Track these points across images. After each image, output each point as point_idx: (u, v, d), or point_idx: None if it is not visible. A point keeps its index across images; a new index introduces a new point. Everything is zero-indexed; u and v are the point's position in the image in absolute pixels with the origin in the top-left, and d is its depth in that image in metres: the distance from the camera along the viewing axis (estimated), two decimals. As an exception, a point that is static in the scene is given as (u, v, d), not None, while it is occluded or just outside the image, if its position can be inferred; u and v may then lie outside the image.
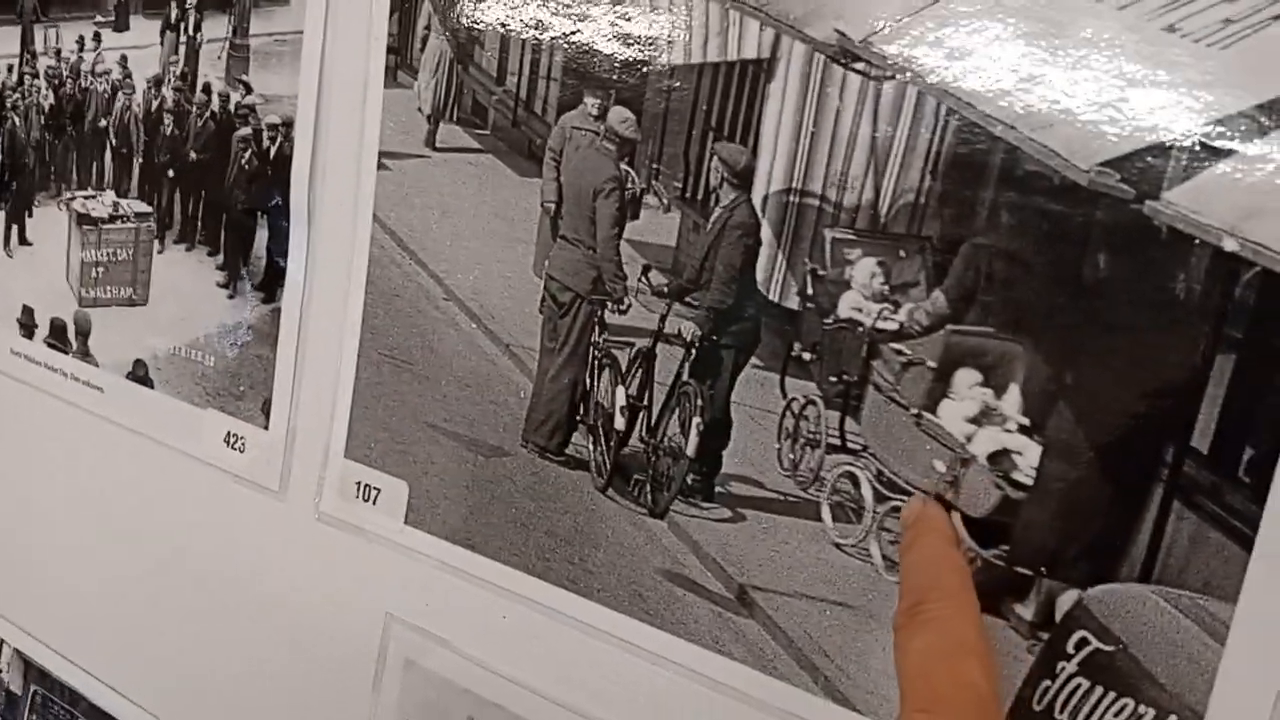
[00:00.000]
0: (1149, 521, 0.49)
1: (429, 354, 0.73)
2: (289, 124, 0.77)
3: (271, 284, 0.80)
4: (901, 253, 0.54)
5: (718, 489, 0.60)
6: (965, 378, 0.53)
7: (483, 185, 0.69)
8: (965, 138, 0.52)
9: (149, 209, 0.88)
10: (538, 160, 0.67)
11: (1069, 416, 0.50)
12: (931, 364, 0.53)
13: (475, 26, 0.69)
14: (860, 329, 0.56)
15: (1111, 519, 0.50)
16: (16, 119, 0.97)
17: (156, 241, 0.87)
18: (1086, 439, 0.50)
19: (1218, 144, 0.46)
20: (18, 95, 0.96)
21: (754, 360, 0.60)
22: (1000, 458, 0.52)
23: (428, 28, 0.71)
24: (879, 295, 0.55)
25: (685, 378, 0.62)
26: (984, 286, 0.52)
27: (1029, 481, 0.51)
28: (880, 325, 0.55)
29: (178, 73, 0.84)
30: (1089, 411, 0.50)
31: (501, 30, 0.68)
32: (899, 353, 0.54)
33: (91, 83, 0.90)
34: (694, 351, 0.61)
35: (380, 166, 0.73)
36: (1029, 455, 0.51)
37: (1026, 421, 0.51)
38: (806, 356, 0.57)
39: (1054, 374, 0.50)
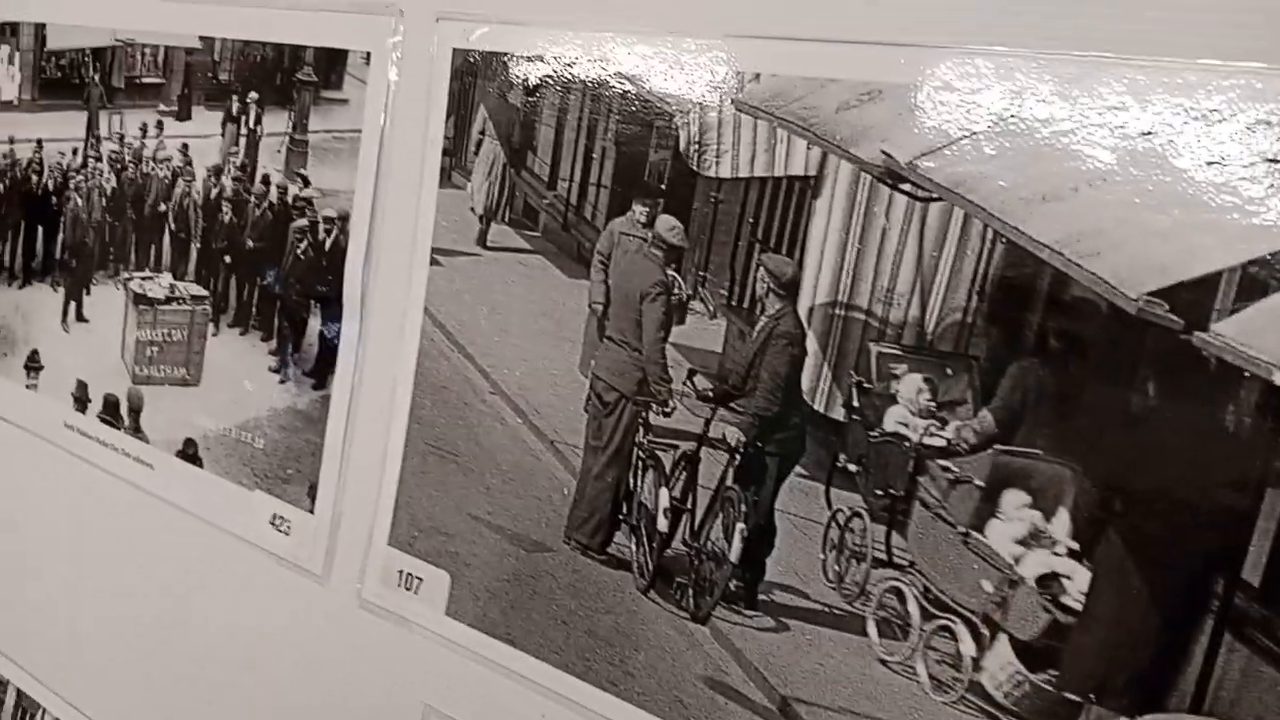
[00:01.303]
0: (1199, 652, 0.49)
1: (474, 446, 0.74)
2: (344, 217, 0.80)
3: (322, 371, 0.82)
4: (948, 370, 0.55)
5: (761, 596, 0.60)
6: (1013, 498, 0.53)
7: (532, 284, 0.71)
8: (1013, 261, 0.53)
9: (205, 292, 0.90)
10: (586, 263, 0.68)
11: (1118, 543, 0.50)
12: (979, 483, 0.54)
13: (528, 133, 0.71)
14: (907, 444, 0.56)
15: (1161, 648, 0.49)
16: (79, 200, 1.00)
17: (211, 324, 0.90)
18: (1136, 566, 0.50)
19: (1268, 277, 0.46)
20: (81, 177, 1.00)
21: (798, 469, 0.60)
22: (1049, 581, 0.52)
23: (482, 132, 0.73)
24: (926, 411, 0.56)
25: (729, 483, 0.62)
26: (1032, 408, 0.52)
27: (1078, 606, 0.51)
28: (927, 441, 0.55)
29: (238, 163, 0.87)
30: (1138, 539, 0.50)
31: (554, 138, 0.70)
32: (946, 470, 0.55)
33: (153, 168, 0.93)
34: (738, 457, 0.62)
35: (432, 262, 0.75)
36: (1078, 580, 0.51)
37: (1076, 546, 0.51)
38: (852, 468, 0.58)
39: (1103, 499, 0.51)
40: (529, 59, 0.70)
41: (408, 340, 0.77)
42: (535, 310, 0.71)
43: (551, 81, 0.69)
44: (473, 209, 0.74)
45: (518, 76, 0.71)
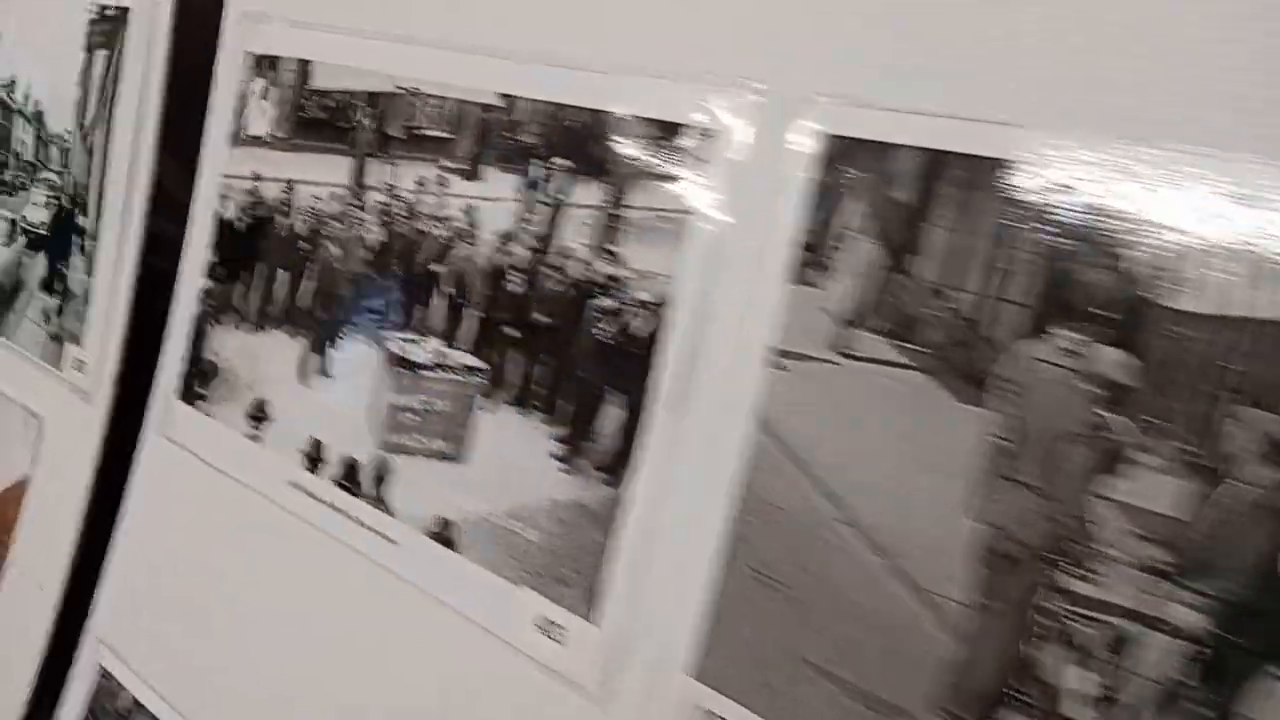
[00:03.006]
0: None
1: (814, 580, 0.65)
2: (661, 303, 0.73)
3: (618, 466, 0.74)
4: None
5: (1224, 824, 0.50)
6: None
7: (906, 404, 0.62)
8: None
9: (479, 364, 0.83)
10: (981, 386, 0.60)
11: None
12: None
13: (914, 233, 0.63)
14: None
15: None
16: (334, 249, 0.95)
17: (485, 399, 0.83)
18: None
19: None
20: (340, 225, 0.95)
21: (1275, 670, 0.50)
22: None
23: (852, 227, 0.65)
24: None
25: (1177, 676, 0.52)
26: None
27: None
28: None
29: (534, 232, 0.81)
30: None
31: (949, 241, 0.62)
32: None
33: (429, 226, 0.88)
34: (1192, 646, 0.52)
35: (773, 365, 0.67)
36: None
37: None
38: (1373, 687, 0.48)
39: None
40: (923, 151, 0.62)
41: (732, 447, 0.68)
42: (908, 434, 0.62)
43: (954, 179, 0.61)
44: (829, 310, 0.66)
45: (906, 169, 0.63)
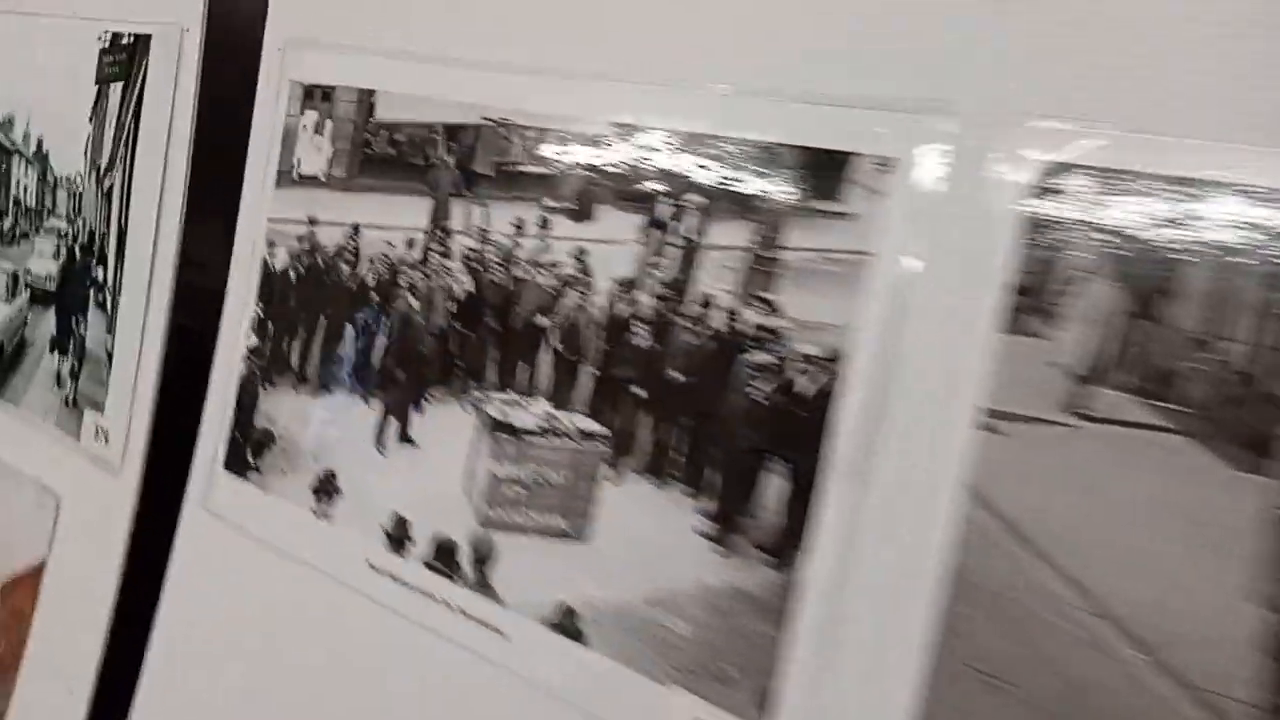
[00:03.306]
0: None
1: (1051, 678, 0.56)
2: (832, 358, 0.63)
3: (786, 546, 0.65)
4: None
5: None
6: None
7: (1165, 473, 0.54)
8: None
9: (600, 428, 0.74)
10: (1262, 452, 0.51)
11: None
12: None
13: (1165, 274, 0.54)
14: None
15: None
16: (414, 300, 0.85)
17: (609, 468, 0.73)
18: None
19: None
20: (419, 274, 0.84)
21: None
22: None
23: (1082, 267, 0.56)
24: None
25: None
26: None
27: None
28: None
29: (663, 278, 0.71)
30: None
31: (1212, 283, 0.53)
32: None
33: (531, 273, 0.78)
34: None
35: (985, 428, 0.58)
36: None
37: None
38: None
39: None
40: (1171, 180, 0.54)
41: (935, 523, 0.59)
42: (1169, 507, 0.53)
43: (1213, 210, 0.53)
44: (1058, 364, 0.57)
45: (1152, 201, 0.54)
